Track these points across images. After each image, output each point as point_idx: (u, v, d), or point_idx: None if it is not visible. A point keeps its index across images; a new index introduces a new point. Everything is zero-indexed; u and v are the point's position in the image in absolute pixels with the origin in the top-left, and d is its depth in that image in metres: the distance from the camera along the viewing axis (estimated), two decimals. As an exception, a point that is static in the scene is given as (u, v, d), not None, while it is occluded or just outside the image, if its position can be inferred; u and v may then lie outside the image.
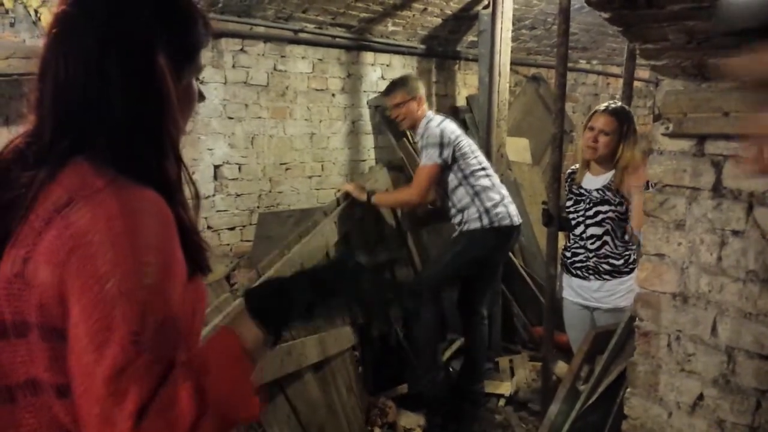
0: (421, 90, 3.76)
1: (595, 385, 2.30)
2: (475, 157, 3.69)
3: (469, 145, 3.69)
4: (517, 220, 3.66)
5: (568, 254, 3.08)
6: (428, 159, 3.56)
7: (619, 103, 3.01)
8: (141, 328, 0.84)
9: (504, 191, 3.71)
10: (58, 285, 0.85)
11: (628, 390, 1.96)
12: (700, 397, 1.78)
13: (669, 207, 1.81)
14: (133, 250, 0.86)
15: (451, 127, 3.63)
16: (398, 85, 3.75)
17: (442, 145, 3.54)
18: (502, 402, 3.86)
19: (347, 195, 3.66)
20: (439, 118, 3.72)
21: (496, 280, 4.28)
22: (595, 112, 2.96)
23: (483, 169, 3.69)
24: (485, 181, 3.66)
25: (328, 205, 3.69)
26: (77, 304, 0.84)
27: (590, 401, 2.28)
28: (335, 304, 1.04)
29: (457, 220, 3.70)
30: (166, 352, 0.85)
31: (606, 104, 2.97)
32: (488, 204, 3.61)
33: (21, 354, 0.89)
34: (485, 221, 3.59)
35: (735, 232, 1.68)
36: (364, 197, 3.63)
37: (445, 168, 3.60)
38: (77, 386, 0.84)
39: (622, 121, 2.88)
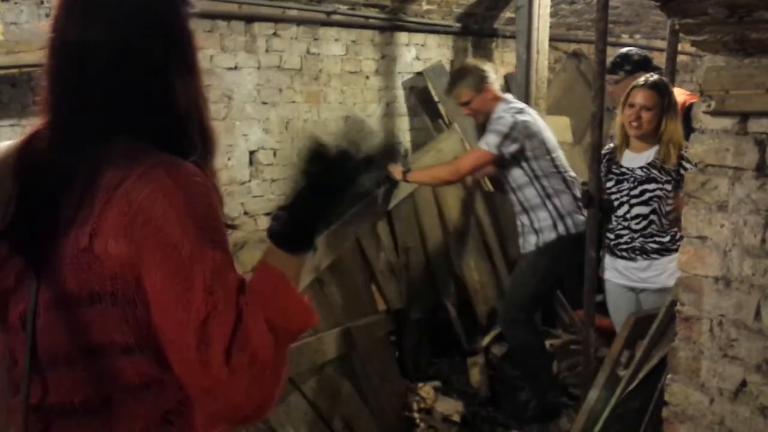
0: (490, 76, 3.46)
1: (635, 370, 2.26)
2: (553, 157, 3.43)
3: (545, 143, 3.41)
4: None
5: (612, 236, 3.01)
6: (485, 144, 3.32)
7: (656, 76, 2.91)
8: (212, 282, 0.95)
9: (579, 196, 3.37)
10: (133, 256, 0.96)
11: (669, 376, 1.91)
12: (743, 383, 1.73)
13: (711, 188, 1.75)
14: (194, 219, 0.97)
15: (528, 120, 3.35)
16: (459, 81, 3.49)
17: (507, 136, 3.28)
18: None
19: (386, 178, 3.47)
20: (520, 105, 3.47)
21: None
22: (634, 87, 2.87)
23: (559, 172, 3.44)
24: (560, 184, 3.42)
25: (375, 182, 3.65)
26: (159, 271, 0.95)
27: (630, 387, 2.24)
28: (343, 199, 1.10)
29: (525, 221, 3.47)
30: (232, 297, 0.97)
31: (644, 78, 2.88)
32: (563, 209, 3.39)
33: (92, 320, 1.00)
34: (561, 229, 3.38)
35: (780, 214, 1.61)
36: (399, 175, 3.44)
37: (511, 161, 3.37)
38: (172, 341, 0.96)
39: (662, 94, 2.79)
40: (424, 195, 3.96)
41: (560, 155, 3.47)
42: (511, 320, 3.50)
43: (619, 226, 2.96)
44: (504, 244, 4.30)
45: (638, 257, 2.91)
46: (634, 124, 2.83)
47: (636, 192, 2.88)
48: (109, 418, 1.04)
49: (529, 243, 3.47)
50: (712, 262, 1.76)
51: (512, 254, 4.18)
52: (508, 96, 3.54)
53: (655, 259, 2.86)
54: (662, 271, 2.85)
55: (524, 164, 3.37)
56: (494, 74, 3.54)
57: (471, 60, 4.13)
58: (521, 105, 3.49)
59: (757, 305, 1.68)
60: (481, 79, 3.42)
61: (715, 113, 1.70)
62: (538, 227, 3.41)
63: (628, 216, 2.91)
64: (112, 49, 1.01)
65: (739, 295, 1.71)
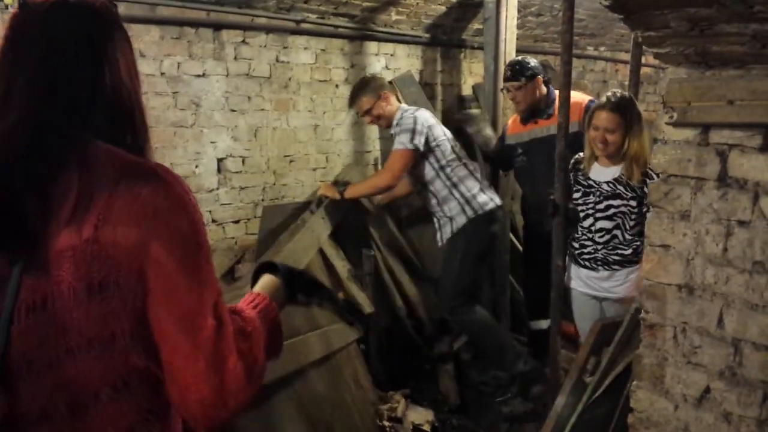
0: (385, 86, 3.80)
1: (601, 377, 2.28)
2: (451, 146, 3.70)
3: (443, 134, 3.69)
4: (498, 200, 3.73)
5: (576, 245, 3.04)
6: (400, 144, 3.57)
7: (619, 93, 2.95)
8: (211, 263, 1.10)
9: (480, 177, 3.77)
10: (141, 245, 1.01)
11: (634, 383, 1.93)
12: (707, 389, 1.76)
13: (674, 197, 1.78)
14: (194, 210, 1.08)
15: (425, 116, 3.64)
16: (359, 91, 3.76)
17: (414, 131, 3.54)
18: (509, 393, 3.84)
19: (322, 198, 3.71)
20: (412, 108, 3.73)
21: (496, 266, 4.31)
22: (597, 108, 2.91)
23: (459, 158, 3.71)
24: (461, 171, 3.68)
25: (312, 204, 3.73)
26: (172, 257, 1.03)
27: (597, 394, 2.27)
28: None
29: (439, 214, 3.72)
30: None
31: (606, 97, 2.92)
32: (468, 194, 3.64)
33: (88, 313, 1.02)
34: (469, 212, 3.63)
35: (741, 223, 1.65)
36: (337, 195, 3.66)
37: (420, 158, 3.61)
38: (183, 317, 1.04)
39: (624, 113, 2.83)
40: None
41: (457, 144, 3.79)
42: (451, 309, 3.67)
43: (584, 237, 2.99)
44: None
45: (600, 268, 2.94)
46: (600, 146, 2.87)
47: (601, 206, 2.91)
48: (91, 419, 1.05)
49: (445, 233, 3.72)
50: (675, 270, 1.79)
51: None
52: (403, 105, 3.81)
53: (616, 270, 2.90)
54: (622, 282, 2.89)
55: (430, 157, 3.63)
56: (389, 84, 4.00)
57: (368, 73, 4.27)
58: (414, 107, 3.78)
59: (719, 313, 1.71)
60: (379, 87, 3.73)
61: (677, 124, 1.73)
62: (450, 215, 3.67)
63: (592, 228, 2.95)
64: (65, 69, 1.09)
65: (702, 303, 1.74)
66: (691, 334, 1.78)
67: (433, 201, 3.70)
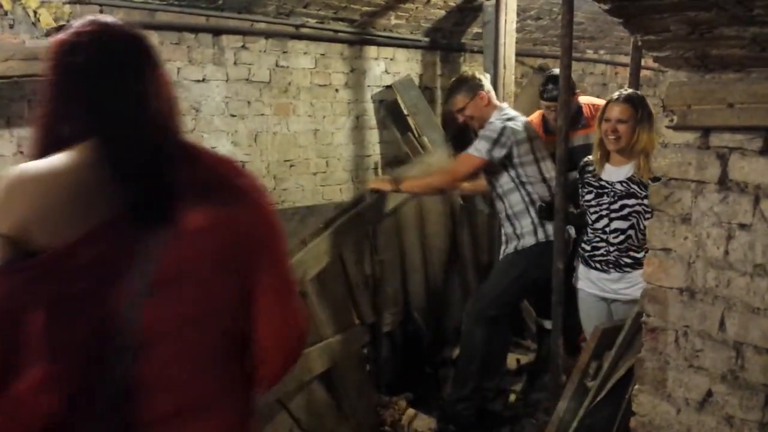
0: (484, 84, 3.54)
1: (603, 381, 2.27)
2: (541, 166, 3.47)
3: (534, 151, 3.46)
4: (572, 232, 3.40)
5: (588, 247, 3.02)
6: (475, 150, 3.37)
7: (630, 90, 2.96)
8: None
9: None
10: (254, 225, 1.22)
11: (636, 386, 1.93)
12: (709, 393, 1.75)
13: (674, 200, 1.77)
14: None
15: (517, 128, 3.40)
16: (455, 89, 3.57)
17: (496, 142, 3.33)
18: (512, 398, 3.84)
19: (375, 191, 3.57)
20: (512, 113, 3.52)
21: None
22: (609, 102, 2.91)
23: (545, 180, 3.47)
24: (545, 192, 3.44)
25: (348, 203, 3.63)
26: (274, 237, 1.27)
27: (599, 398, 2.26)
28: None
29: (508, 229, 3.50)
30: None
31: (617, 93, 2.92)
32: None
33: (222, 282, 1.19)
34: (540, 235, 3.41)
35: (742, 226, 1.65)
36: (388, 186, 3.50)
37: (500, 167, 3.41)
38: (281, 285, 1.26)
39: (636, 106, 2.82)
40: (407, 210, 3.99)
41: (548, 164, 3.49)
42: (477, 313, 3.47)
43: (597, 239, 2.97)
44: (479, 256, 4.33)
45: (611, 270, 2.92)
46: (612, 137, 2.84)
47: (616, 207, 2.89)
48: (207, 383, 1.20)
49: (509, 248, 3.51)
50: (677, 273, 1.79)
51: (484, 261, 4.26)
52: (504, 104, 3.60)
53: (628, 272, 2.88)
54: (633, 284, 2.86)
55: (511, 170, 3.42)
56: (489, 83, 3.63)
57: (467, 70, 4.13)
58: (514, 113, 3.54)
59: (721, 316, 1.70)
60: (475, 87, 3.50)
61: (677, 128, 1.73)
62: (519, 233, 3.45)
63: (606, 230, 2.92)
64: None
65: (704, 307, 1.74)
66: (692, 337, 1.77)
67: (506, 213, 3.49)
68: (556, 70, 3.39)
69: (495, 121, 3.39)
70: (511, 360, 4.20)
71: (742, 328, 1.67)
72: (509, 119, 3.41)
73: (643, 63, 3.75)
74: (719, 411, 1.73)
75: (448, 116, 4.80)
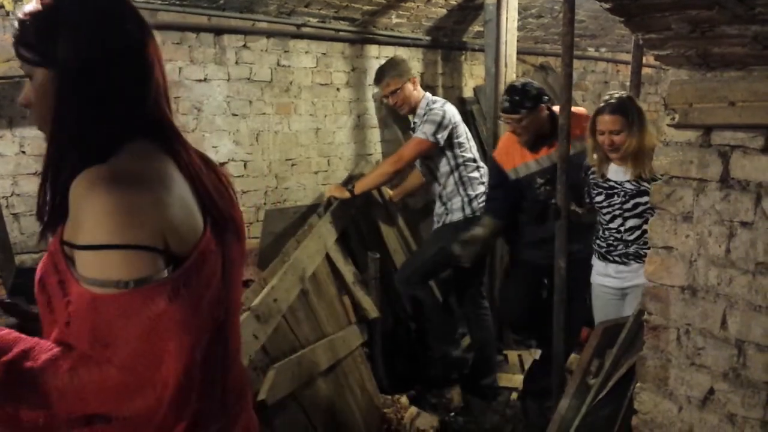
0: (413, 70, 3.77)
1: (605, 379, 2.27)
2: (470, 147, 3.73)
3: (465, 134, 3.72)
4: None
5: (603, 244, 3.01)
6: (422, 134, 3.58)
7: (617, 94, 2.93)
8: None
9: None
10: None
11: (638, 384, 1.93)
12: (711, 391, 1.76)
13: (676, 199, 1.78)
14: None
15: (453, 111, 3.65)
16: (388, 70, 3.73)
17: (440, 125, 3.55)
18: (514, 395, 3.84)
19: (331, 200, 3.72)
20: (440, 100, 3.72)
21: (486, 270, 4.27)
22: (597, 113, 2.90)
23: (474, 160, 3.73)
24: (474, 173, 3.71)
25: (320, 208, 3.73)
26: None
27: (601, 396, 2.26)
28: None
29: (440, 209, 3.76)
30: None
31: (604, 101, 2.91)
32: (472, 194, 3.67)
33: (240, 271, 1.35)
34: (467, 211, 3.66)
35: (743, 224, 1.65)
36: (347, 194, 3.67)
37: (438, 151, 3.63)
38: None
39: (624, 113, 2.82)
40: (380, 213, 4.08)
41: (474, 147, 3.79)
42: (406, 280, 3.72)
43: (612, 238, 2.97)
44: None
45: (632, 261, 2.93)
46: (610, 149, 2.86)
47: (629, 206, 2.89)
48: (236, 357, 1.34)
49: (439, 221, 3.80)
50: (678, 272, 1.79)
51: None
52: (428, 93, 3.80)
53: None
54: None
55: (448, 152, 3.65)
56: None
57: (399, 56, 4.22)
58: (442, 100, 3.76)
59: (722, 314, 1.71)
60: (409, 70, 3.72)
61: (679, 126, 1.73)
62: (449, 210, 3.71)
63: (621, 229, 2.93)
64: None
65: (705, 305, 1.74)
66: (694, 335, 1.78)
67: (440, 193, 3.75)
68: (518, 81, 3.39)
69: (435, 106, 3.61)
70: (513, 357, 4.21)
71: (744, 326, 1.67)
72: (443, 104, 3.65)
73: (644, 61, 3.75)
74: (721, 409, 1.73)
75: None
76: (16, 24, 1.11)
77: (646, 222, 2.82)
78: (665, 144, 1.78)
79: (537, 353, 4.14)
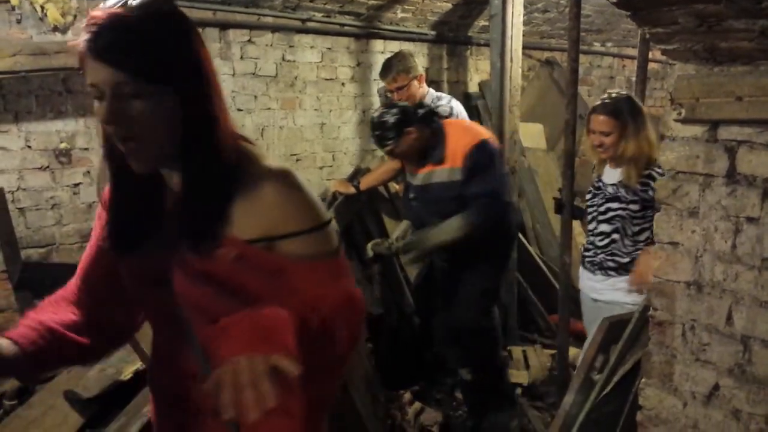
0: (420, 66, 3.72)
1: (609, 375, 2.27)
2: None
3: None
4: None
5: (582, 249, 3.00)
6: None
7: (614, 94, 2.82)
8: None
9: None
10: None
11: (643, 380, 1.93)
12: (716, 387, 1.75)
13: (682, 194, 1.77)
14: None
15: (460, 108, 3.63)
16: (396, 65, 3.65)
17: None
18: (518, 391, 3.83)
19: (336, 195, 3.69)
20: (446, 95, 3.70)
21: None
22: (591, 112, 2.82)
23: None
24: None
25: (324, 202, 3.72)
26: None
27: (605, 391, 2.26)
28: None
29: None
30: None
31: (601, 100, 2.81)
32: None
33: None
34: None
35: (750, 219, 1.64)
36: (352, 189, 3.64)
37: None
38: None
39: (618, 116, 2.71)
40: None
41: None
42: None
43: (588, 242, 2.93)
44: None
45: (597, 271, 2.86)
46: (599, 149, 2.80)
47: (602, 209, 2.82)
48: None
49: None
50: (684, 267, 1.78)
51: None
52: (431, 89, 3.77)
53: (611, 276, 2.79)
54: (614, 288, 2.78)
55: None
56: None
57: (406, 51, 4.15)
58: (448, 95, 3.75)
59: (728, 310, 1.70)
60: (417, 66, 3.65)
61: (685, 121, 1.72)
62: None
63: (594, 231, 2.88)
64: None
65: (711, 300, 1.74)
66: (699, 331, 1.77)
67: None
68: (376, 114, 3.13)
69: (441, 104, 3.59)
70: (517, 353, 4.20)
71: (750, 322, 1.66)
72: (450, 100, 3.66)
73: (650, 55, 3.73)
74: (726, 405, 1.73)
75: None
76: (125, 40, 1.04)
77: (615, 231, 2.77)
78: (671, 139, 1.78)
79: (541, 351, 4.14)
